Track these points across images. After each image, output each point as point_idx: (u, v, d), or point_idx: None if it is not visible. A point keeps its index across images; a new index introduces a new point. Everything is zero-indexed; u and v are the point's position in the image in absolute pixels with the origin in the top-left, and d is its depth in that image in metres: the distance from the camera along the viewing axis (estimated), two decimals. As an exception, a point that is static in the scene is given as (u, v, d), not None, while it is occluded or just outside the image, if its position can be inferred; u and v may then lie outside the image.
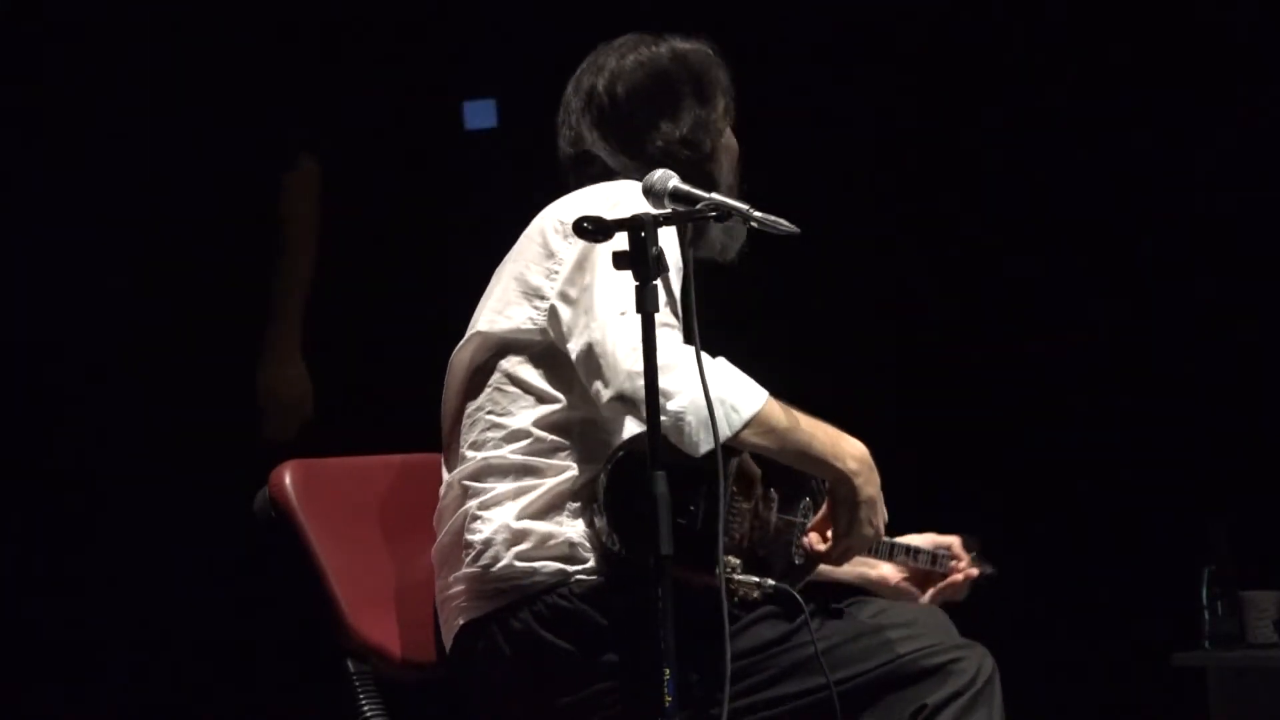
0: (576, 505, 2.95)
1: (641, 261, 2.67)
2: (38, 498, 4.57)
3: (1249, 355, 4.69)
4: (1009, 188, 4.81)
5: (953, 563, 3.36)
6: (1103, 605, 4.69)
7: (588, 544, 2.93)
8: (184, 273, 4.56)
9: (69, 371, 4.59)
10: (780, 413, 2.90)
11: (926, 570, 3.35)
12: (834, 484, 2.96)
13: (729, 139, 3.22)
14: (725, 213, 2.79)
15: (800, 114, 4.81)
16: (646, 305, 2.66)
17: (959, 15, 4.84)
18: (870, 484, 2.95)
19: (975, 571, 3.36)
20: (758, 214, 2.81)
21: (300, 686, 4.13)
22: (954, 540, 3.38)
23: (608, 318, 2.88)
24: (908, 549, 3.31)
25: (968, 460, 4.80)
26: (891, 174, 4.91)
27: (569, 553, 2.93)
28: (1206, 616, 4.24)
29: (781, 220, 2.83)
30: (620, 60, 3.21)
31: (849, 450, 2.94)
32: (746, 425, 2.85)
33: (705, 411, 2.74)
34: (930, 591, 3.35)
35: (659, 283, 2.69)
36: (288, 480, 3.06)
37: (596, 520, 2.91)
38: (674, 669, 2.57)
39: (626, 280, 2.70)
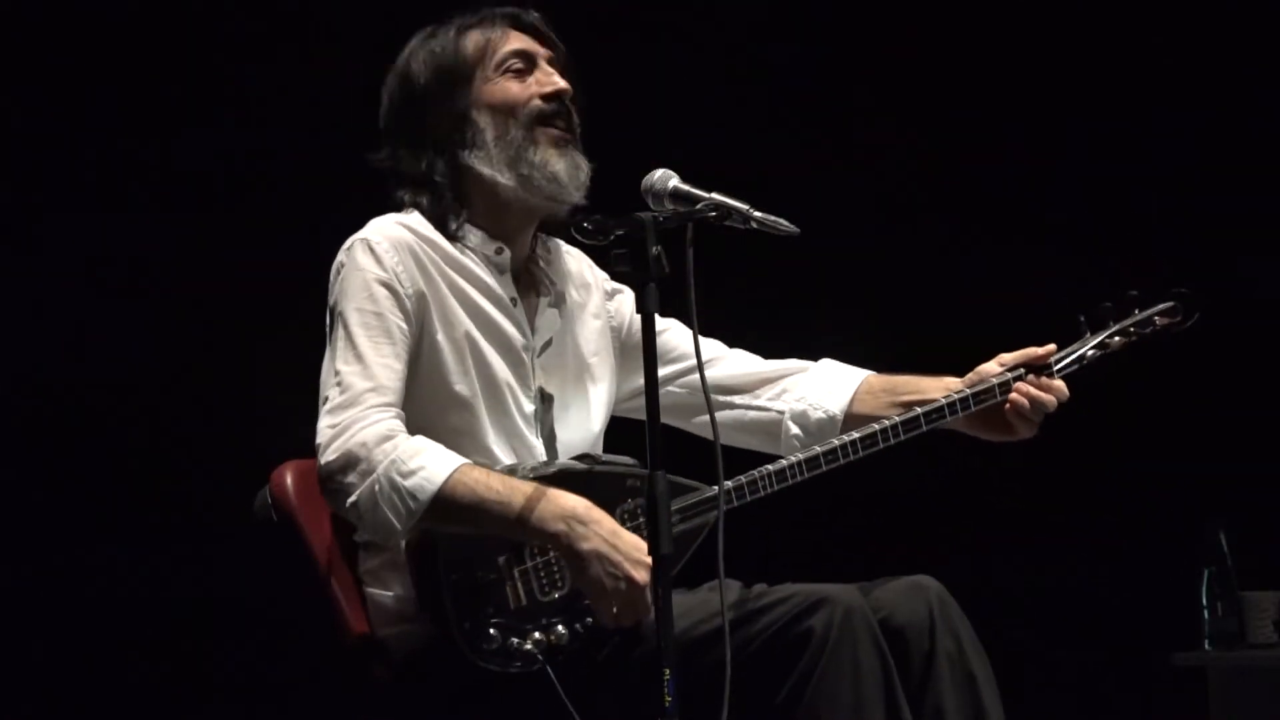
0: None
1: (641, 262, 2.68)
2: (38, 499, 4.57)
3: (1249, 355, 4.69)
4: (1006, 183, 4.81)
5: (1016, 374, 3.19)
6: (1103, 605, 4.68)
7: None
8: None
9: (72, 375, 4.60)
10: (473, 486, 2.84)
11: (999, 403, 3.18)
12: (551, 547, 2.88)
13: (488, 95, 3.10)
14: (725, 212, 2.79)
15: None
16: (647, 306, 2.68)
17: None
18: (586, 538, 2.82)
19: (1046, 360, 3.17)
20: (758, 214, 2.80)
21: (300, 685, 4.13)
22: (1025, 352, 3.20)
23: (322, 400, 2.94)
24: (947, 406, 3.14)
25: (968, 460, 4.79)
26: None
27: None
28: (1206, 616, 4.23)
29: (782, 220, 2.82)
30: (395, 66, 3.16)
31: (554, 510, 2.84)
32: (427, 512, 2.83)
33: (379, 499, 2.82)
34: (1012, 416, 3.19)
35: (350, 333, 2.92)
36: (288, 480, 3.06)
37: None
38: (674, 669, 2.57)
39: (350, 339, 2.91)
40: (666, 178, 2.84)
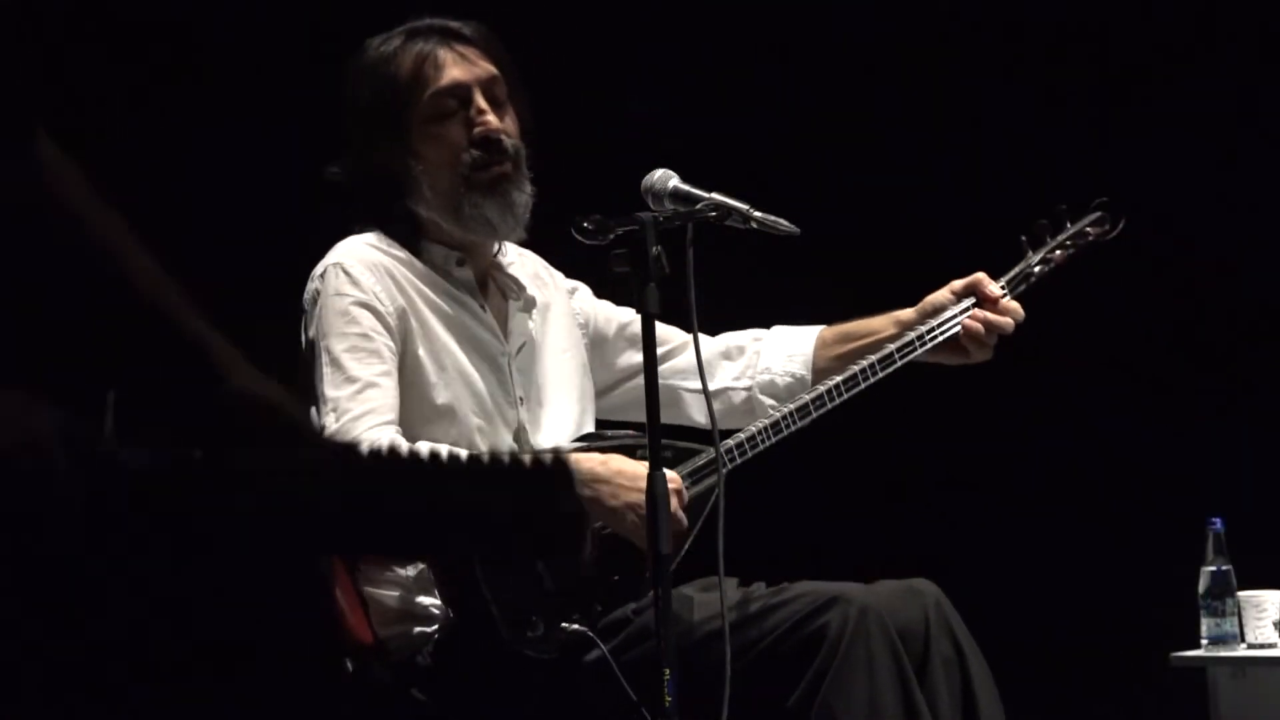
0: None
1: (641, 262, 2.68)
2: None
3: (1248, 353, 4.69)
4: (1004, 188, 4.80)
5: (971, 302, 3.24)
6: (1102, 605, 4.68)
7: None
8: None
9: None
10: None
11: (960, 331, 3.24)
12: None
13: (423, 143, 3.10)
14: (725, 212, 2.80)
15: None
16: (647, 306, 2.68)
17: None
18: (614, 494, 2.88)
19: (998, 294, 3.24)
20: (757, 214, 2.81)
21: (300, 688, 4.13)
22: (973, 279, 3.26)
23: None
24: (917, 339, 3.20)
25: (968, 459, 4.79)
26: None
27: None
28: (1206, 616, 4.23)
29: (781, 220, 2.82)
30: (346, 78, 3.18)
31: (578, 475, 2.85)
32: None
33: None
34: (972, 341, 3.24)
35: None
36: (287, 480, 3.05)
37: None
38: (674, 669, 2.57)
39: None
40: (666, 178, 2.85)
